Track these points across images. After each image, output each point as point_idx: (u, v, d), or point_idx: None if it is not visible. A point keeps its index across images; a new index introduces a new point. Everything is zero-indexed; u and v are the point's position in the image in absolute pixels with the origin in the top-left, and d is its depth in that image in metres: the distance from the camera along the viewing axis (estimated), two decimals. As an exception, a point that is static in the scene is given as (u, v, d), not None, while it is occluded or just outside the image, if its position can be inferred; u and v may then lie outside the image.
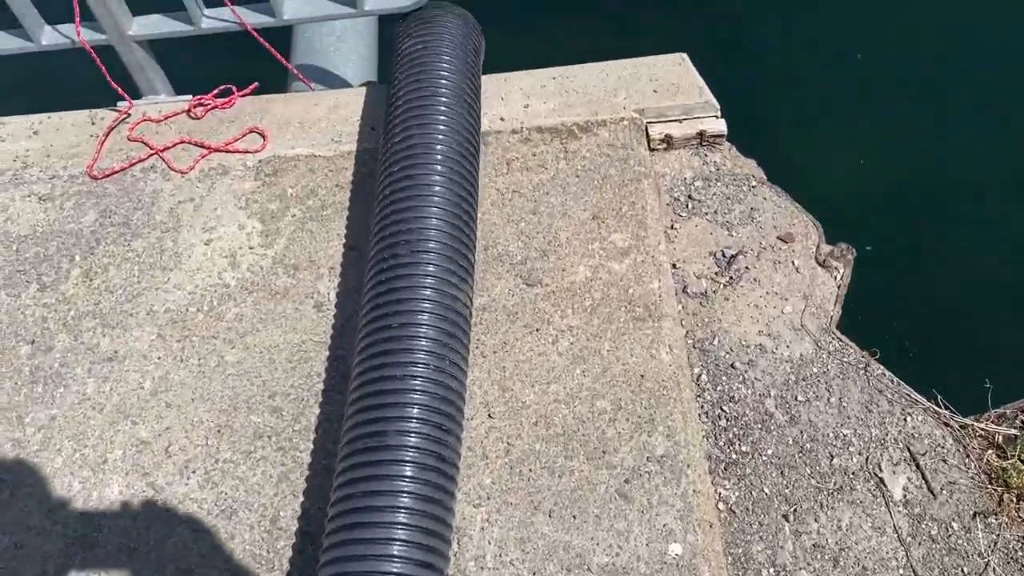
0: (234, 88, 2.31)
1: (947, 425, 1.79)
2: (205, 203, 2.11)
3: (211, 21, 2.16)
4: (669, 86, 2.22)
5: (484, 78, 2.25)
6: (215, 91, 2.30)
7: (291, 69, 2.37)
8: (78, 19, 2.12)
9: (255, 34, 2.18)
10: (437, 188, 1.76)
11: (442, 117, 1.86)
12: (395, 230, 1.71)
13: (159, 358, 1.87)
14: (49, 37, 2.17)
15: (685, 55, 2.31)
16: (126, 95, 2.27)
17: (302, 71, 2.55)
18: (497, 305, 1.89)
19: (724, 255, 2.04)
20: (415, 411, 1.49)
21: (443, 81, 1.92)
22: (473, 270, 1.75)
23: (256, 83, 2.34)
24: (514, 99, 2.25)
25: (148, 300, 1.96)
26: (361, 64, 2.76)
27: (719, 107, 2.19)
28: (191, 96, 2.35)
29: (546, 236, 1.98)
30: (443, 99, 1.88)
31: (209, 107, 2.27)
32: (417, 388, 1.51)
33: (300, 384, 1.81)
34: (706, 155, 2.21)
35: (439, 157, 1.79)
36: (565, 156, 2.12)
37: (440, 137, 1.82)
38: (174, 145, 2.20)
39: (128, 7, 2.19)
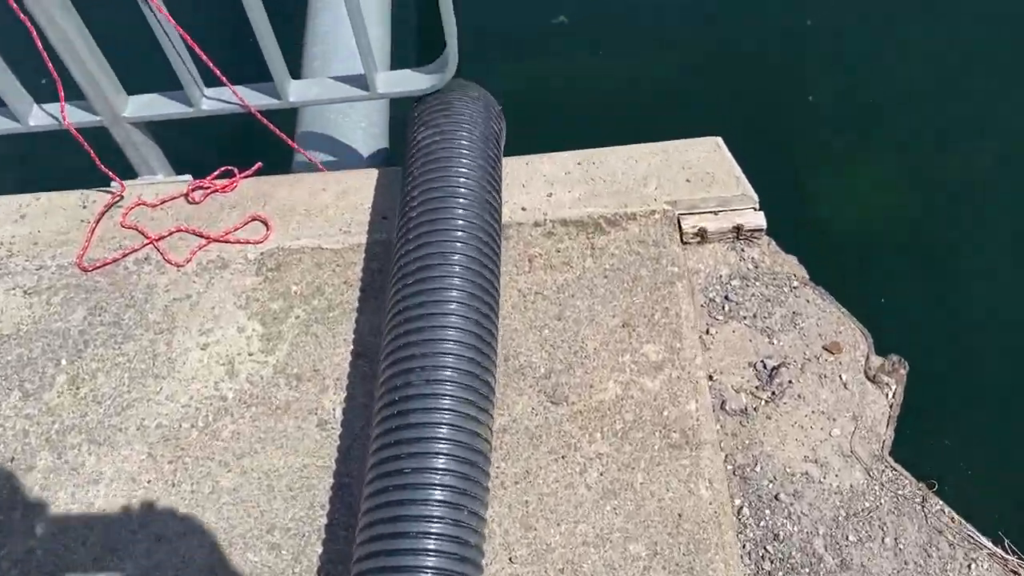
0: (235, 170, 2.15)
1: (1015, 573, 1.62)
2: (202, 301, 1.95)
3: (211, 102, 2.01)
4: (703, 175, 2.06)
5: (505, 160, 2.10)
6: (216, 172, 2.15)
7: (297, 149, 2.21)
8: (63, 101, 1.97)
9: (259, 116, 2.02)
10: (454, 305, 1.60)
11: (460, 222, 1.70)
12: (408, 354, 1.55)
13: (149, 482, 1.71)
14: (37, 118, 2.03)
15: (720, 140, 2.15)
16: (118, 179, 2.11)
17: (309, 139, 2.40)
18: (519, 426, 1.73)
19: (765, 366, 1.87)
20: (429, 577, 1.33)
21: (461, 180, 1.76)
22: (494, 395, 1.59)
23: (260, 163, 2.19)
24: (536, 186, 2.10)
25: (139, 413, 1.80)
26: (371, 130, 2.61)
27: (757, 199, 2.04)
28: (190, 176, 2.20)
29: (572, 346, 1.82)
30: (461, 201, 1.73)
31: (209, 191, 2.12)
32: (431, 549, 1.35)
33: (301, 516, 1.64)
34: (743, 250, 2.05)
35: (456, 269, 1.63)
36: (592, 253, 1.96)
37: (458, 245, 1.66)
38: (170, 234, 2.05)
39: (122, 84, 2.05)
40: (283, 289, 1.95)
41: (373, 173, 2.16)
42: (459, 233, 1.70)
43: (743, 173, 2.07)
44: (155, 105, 2.02)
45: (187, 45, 1.89)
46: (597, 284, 1.91)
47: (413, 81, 1.98)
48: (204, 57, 1.87)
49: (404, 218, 1.76)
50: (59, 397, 1.84)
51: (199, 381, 1.83)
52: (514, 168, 2.13)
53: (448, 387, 1.50)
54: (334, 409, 1.77)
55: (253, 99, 2.00)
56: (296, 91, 2.01)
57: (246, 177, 2.16)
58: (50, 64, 1.86)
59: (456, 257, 1.64)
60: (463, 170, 1.78)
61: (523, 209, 2.05)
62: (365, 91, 1.99)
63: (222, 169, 2.15)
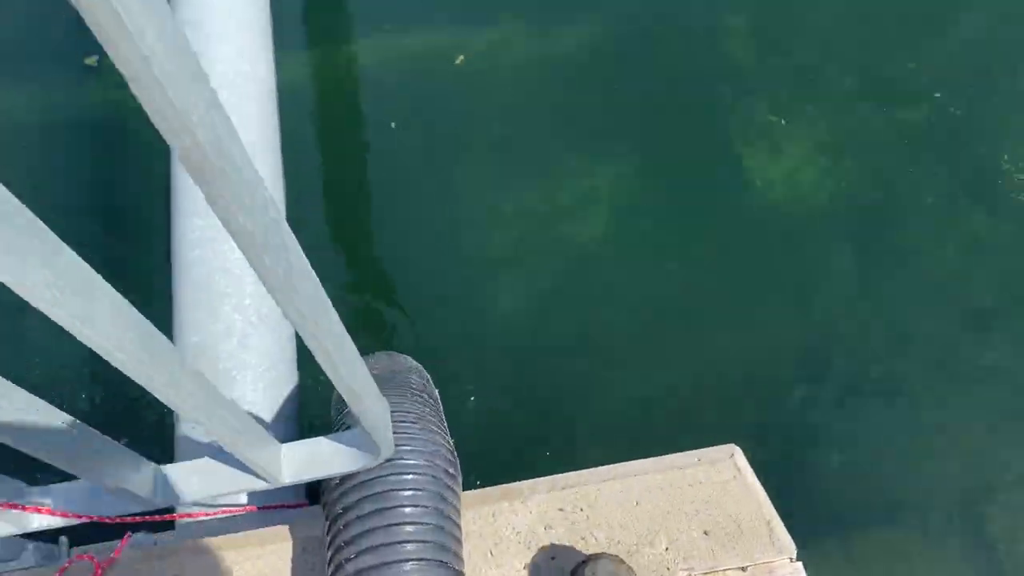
0: (95, 560, 1.56)
1: None
2: None
3: (43, 518, 1.40)
4: (726, 521, 1.59)
5: (465, 506, 1.59)
6: (66, 563, 1.56)
7: (180, 517, 1.63)
8: None
9: (120, 520, 1.43)
10: None
11: None
12: None
13: None
14: None
15: (737, 452, 1.68)
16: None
17: (191, 450, 1.81)
18: None
19: None
20: None
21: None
22: None
23: (129, 534, 1.60)
24: (508, 554, 1.58)
25: None
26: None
27: (795, 549, 1.58)
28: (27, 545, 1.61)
29: None
30: None
31: (57, 604, 1.53)
32: None
33: None
34: (779, 611, 1.60)
35: None
36: (594, 669, 1.48)
37: None
38: None
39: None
40: None
41: (284, 549, 1.60)
42: None
43: (775, 510, 1.61)
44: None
45: None
46: None
47: (332, 462, 1.41)
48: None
49: None
50: None
51: None
52: (477, 525, 1.61)
53: None
54: None
55: (104, 506, 1.40)
56: (166, 486, 1.42)
57: (110, 563, 1.57)
58: None
59: None
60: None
61: (495, 599, 1.55)
62: (264, 480, 1.42)
63: (74, 560, 1.56)
